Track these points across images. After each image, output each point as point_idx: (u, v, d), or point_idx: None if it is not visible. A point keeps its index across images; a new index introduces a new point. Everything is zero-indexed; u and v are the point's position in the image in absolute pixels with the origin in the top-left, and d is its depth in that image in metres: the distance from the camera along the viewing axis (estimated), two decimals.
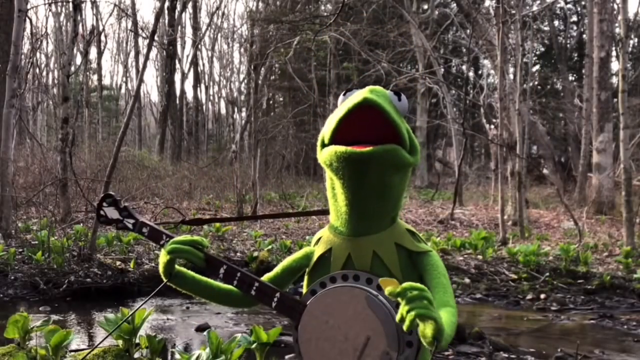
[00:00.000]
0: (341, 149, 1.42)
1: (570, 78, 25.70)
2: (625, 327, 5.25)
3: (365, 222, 1.52)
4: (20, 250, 6.85)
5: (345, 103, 1.48)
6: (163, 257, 1.63)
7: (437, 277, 1.47)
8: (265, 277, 1.66)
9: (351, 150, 1.41)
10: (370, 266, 1.49)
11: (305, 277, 1.62)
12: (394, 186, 1.50)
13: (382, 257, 1.49)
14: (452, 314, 1.37)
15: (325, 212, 1.67)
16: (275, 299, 1.55)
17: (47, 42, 26.82)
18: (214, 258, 1.64)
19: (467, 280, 6.82)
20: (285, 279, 1.64)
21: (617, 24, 14.43)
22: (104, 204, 1.81)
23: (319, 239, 1.62)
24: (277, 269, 1.65)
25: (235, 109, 29.52)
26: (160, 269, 1.64)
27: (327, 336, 1.45)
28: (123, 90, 33.40)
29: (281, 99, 28.93)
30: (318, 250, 1.59)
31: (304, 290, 1.58)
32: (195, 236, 1.66)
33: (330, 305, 1.46)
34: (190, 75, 28.26)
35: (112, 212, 1.80)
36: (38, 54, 22.99)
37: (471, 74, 26.02)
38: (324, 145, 1.53)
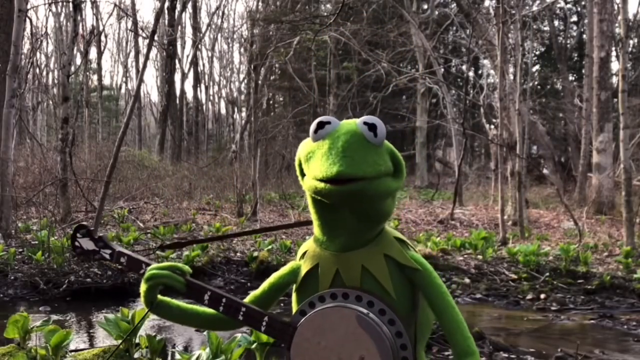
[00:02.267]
0: (320, 185, 1.38)
1: (570, 78, 25.70)
2: (625, 327, 5.24)
3: (352, 239, 1.47)
4: (20, 250, 6.85)
5: (318, 164, 1.39)
6: (142, 286, 1.58)
7: (443, 302, 1.46)
8: (252, 295, 1.62)
9: (330, 187, 1.36)
10: (360, 281, 1.45)
11: (293, 295, 1.57)
12: (381, 209, 1.46)
13: (372, 272, 1.45)
14: None
15: (309, 223, 1.61)
16: (264, 323, 1.52)
17: (47, 42, 26.87)
18: (198, 284, 1.59)
19: (467, 280, 6.82)
20: (272, 296, 1.61)
21: (617, 24, 14.43)
22: (78, 235, 1.76)
23: (304, 252, 1.57)
24: (264, 286, 1.62)
25: (235, 109, 29.54)
26: (142, 298, 1.60)
27: (320, 357, 1.43)
28: (123, 90, 33.45)
29: (281, 99, 28.94)
30: (304, 267, 1.54)
31: (293, 309, 1.55)
32: (177, 262, 1.62)
33: (321, 326, 1.43)
34: (190, 75, 28.30)
35: (87, 243, 1.76)
36: (38, 54, 23.01)
37: (471, 74, 26.04)
38: (301, 169, 1.49)
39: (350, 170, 1.34)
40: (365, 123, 1.41)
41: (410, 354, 1.39)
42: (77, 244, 1.77)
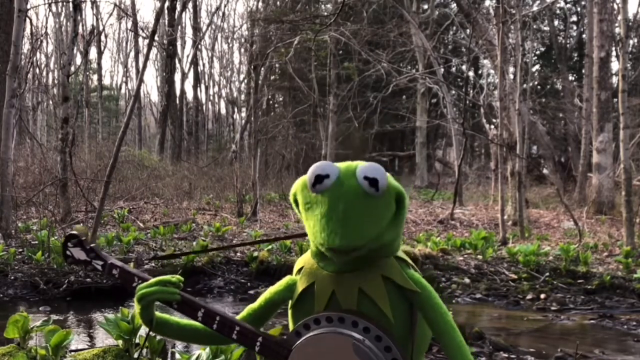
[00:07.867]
0: (322, 249, 1.39)
1: (570, 78, 25.70)
2: (625, 327, 5.24)
3: (351, 262, 1.43)
4: (20, 250, 6.84)
5: (318, 229, 1.37)
6: (136, 307, 1.55)
7: (443, 323, 1.43)
8: (248, 309, 1.60)
9: (333, 254, 1.39)
10: (356, 304, 1.42)
11: (289, 312, 1.55)
12: (384, 252, 1.46)
13: (369, 294, 1.41)
14: None
15: (305, 235, 1.57)
16: (258, 343, 1.49)
17: (47, 42, 26.88)
18: (191, 299, 1.56)
19: (467, 280, 6.81)
20: (268, 311, 1.58)
21: (617, 24, 14.43)
22: (69, 244, 1.70)
23: (301, 268, 1.54)
24: (260, 301, 1.59)
25: (235, 109, 29.58)
26: (140, 318, 1.57)
27: None
28: (123, 90, 33.49)
29: (281, 99, 28.93)
30: (300, 284, 1.50)
31: (290, 326, 1.53)
32: (169, 276, 1.57)
33: (316, 351, 1.41)
34: (190, 75, 28.31)
35: (78, 253, 1.70)
36: (38, 54, 23.03)
37: (471, 74, 26.04)
38: (295, 200, 1.48)
39: (352, 242, 1.34)
40: (365, 178, 1.36)
41: None
42: (68, 253, 1.71)
